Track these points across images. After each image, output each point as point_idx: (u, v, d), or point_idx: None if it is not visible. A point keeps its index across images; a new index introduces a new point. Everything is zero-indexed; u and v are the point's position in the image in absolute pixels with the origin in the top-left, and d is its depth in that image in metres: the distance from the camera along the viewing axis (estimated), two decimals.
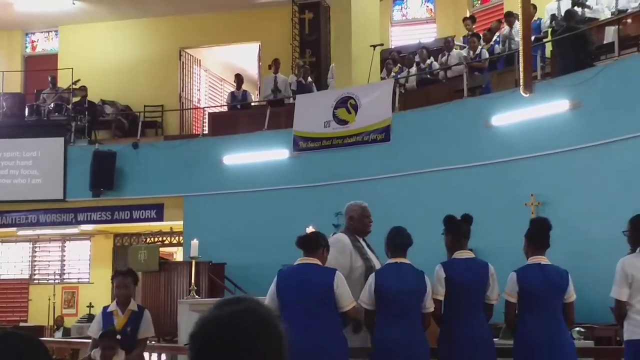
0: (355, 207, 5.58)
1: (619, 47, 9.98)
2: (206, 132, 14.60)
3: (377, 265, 5.38)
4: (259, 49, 16.87)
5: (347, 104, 11.76)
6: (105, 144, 14.44)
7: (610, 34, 10.78)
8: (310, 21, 15.88)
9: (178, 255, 14.81)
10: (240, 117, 14.25)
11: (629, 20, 11.22)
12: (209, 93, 18.18)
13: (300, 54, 15.66)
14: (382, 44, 13.52)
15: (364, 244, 5.50)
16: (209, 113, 15.59)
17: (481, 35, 13.21)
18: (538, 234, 5.19)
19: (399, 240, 5.18)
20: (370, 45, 12.87)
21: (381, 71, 13.48)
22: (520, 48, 8.38)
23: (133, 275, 6.15)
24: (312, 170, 12.23)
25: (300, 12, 15.92)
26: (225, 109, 15.66)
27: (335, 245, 5.26)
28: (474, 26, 13.90)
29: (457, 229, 5.30)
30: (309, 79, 14.47)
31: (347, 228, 5.55)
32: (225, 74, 18.20)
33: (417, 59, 13.36)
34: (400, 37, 16.45)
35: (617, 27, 10.48)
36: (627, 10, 11.52)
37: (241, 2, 16.17)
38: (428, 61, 13.16)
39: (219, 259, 11.58)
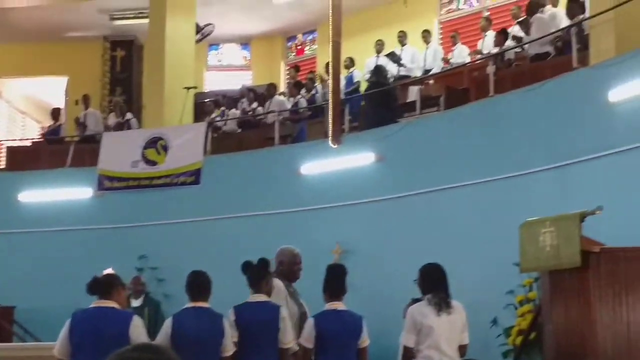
0: (286, 252, 5.67)
1: (421, 106, 10.55)
2: (3, 166, 13.70)
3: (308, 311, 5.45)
4: (67, 84, 16.19)
5: (157, 144, 11.49)
6: None
7: (413, 93, 11.40)
8: (122, 59, 15.53)
9: None
10: (42, 153, 13.53)
11: (431, 81, 11.94)
12: (9, 126, 17.14)
13: (111, 92, 15.24)
14: (195, 87, 13.44)
15: (295, 289, 5.55)
16: (7, 147, 14.66)
17: (301, 83, 13.55)
18: (333, 281, 5.35)
19: (194, 285, 5.12)
20: (184, 87, 12.75)
21: (195, 114, 13.39)
22: (330, 101, 8.63)
23: None
24: (116, 211, 11.77)
25: (112, 49, 15.55)
26: (26, 143, 14.83)
27: (274, 291, 5.30)
28: (297, 75, 14.23)
29: (253, 275, 5.33)
30: (128, 115, 14.07)
31: (278, 273, 5.57)
32: (28, 107, 17.27)
33: (242, 102, 13.44)
34: (215, 82, 16.49)
35: (420, 86, 11.10)
36: (431, 70, 12.26)
37: (50, 35, 15.47)
38: (254, 105, 13.28)
39: (8, 301, 10.79)
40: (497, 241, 7.98)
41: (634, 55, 7.76)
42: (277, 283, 5.48)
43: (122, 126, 13.56)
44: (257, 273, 5.32)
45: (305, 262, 9.78)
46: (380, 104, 10.85)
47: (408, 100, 11.46)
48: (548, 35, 9.90)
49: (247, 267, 5.35)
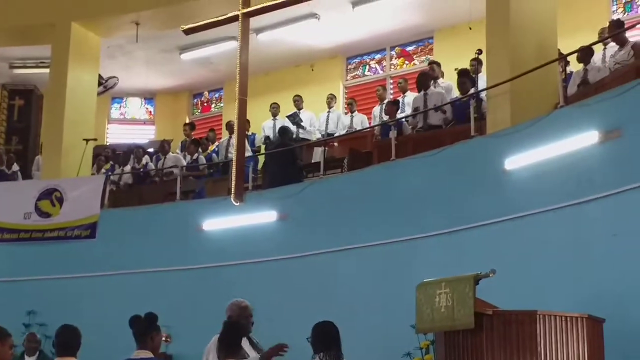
0: (234, 306, 5.61)
1: (325, 167, 10.67)
2: None
3: None
4: None
5: (52, 196, 11.13)
6: None
7: (318, 154, 11.55)
8: (20, 108, 15.12)
9: None
10: None
11: (336, 144, 12.13)
12: None
13: (6, 141, 14.76)
14: (95, 139, 13.16)
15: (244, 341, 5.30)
16: None
17: (199, 141, 13.48)
18: (230, 336, 5.24)
19: (62, 340, 4.92)
20: (83, 139, 12.48)
21: (93, 166, 13.09)
22: (234, 158, 8.62)
23: None
24: (5, 264, 11.26)
25: (11, 97, 15.12)
26: None
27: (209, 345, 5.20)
28: (192, 133, 14.15)
29: (140, 330, 5.16)
30: (14, 167, 13.60)
31: None
32: None
33: (132, 158, 13.22)
34: (118, 135, 16.25)
35: (324, 148, 11.24)
36: (334, 134, 12.48)
37: None
38: (143, 161, 13.07)
39: None
40: (395, 303, 8.05)
41: (529, 126, 8.11)
42: (214, 339, 5.35)
43: (7, 177, 13.09)
44: (142, 328, 5.14)
45: (203, 319, 9.61)
46: (284, 163, 10.92)
47: (313, 161, 11.59)
48: (446, 104, 10.26)
49: (133, 321, 5.17)
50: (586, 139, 7.47)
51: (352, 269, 9.21)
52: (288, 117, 12.28)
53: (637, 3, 11.67)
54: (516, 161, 8.09)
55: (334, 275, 9.36)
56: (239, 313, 5.61)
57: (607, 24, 10.29)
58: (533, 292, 7.20)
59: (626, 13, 11.59)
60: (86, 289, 10.74)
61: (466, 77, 10.23)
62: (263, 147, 12.73)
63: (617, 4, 11.97)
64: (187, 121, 15.57)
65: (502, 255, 7.65)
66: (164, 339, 9.50)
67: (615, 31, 8.87)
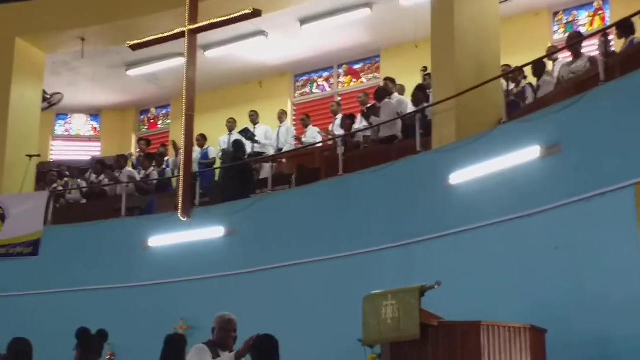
0: (218, 319, 5.47)
1: (273, 183, 10.68)
2: None
3: None
4: None
5: None
6: None
7: (266, 170, 11.55)
8: None
9: None
10: None
11: (284, 160, 12.15)
12: None
13: None
14: (39, 155, 12.93)
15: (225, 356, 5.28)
16: None
17: (154, 156, 13.38)
18: (172, 352, 5.20)
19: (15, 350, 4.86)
20: (26, 155, 12.25)
21: (37, 182, 12.86)
22: (181, 174, 8.58)
23: None
24: None
25: None
26: None
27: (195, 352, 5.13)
28: (147, 148, 14.02)
29: (88, 344, 5.08)
30: None
31: (213, 340, 5.42)
32: None
33: (89, 173, 13.06)
34: (62, 152, 16.00)
35: (272, 164, 11.26)
36: (284, 148, 12.50)
37: None
38: (101, 176, 12.92)
39: None
40: (344, 317, 8.06)
41: (473, 142, 8.28)
42: (201, 347, 5.31)
43: None
44: (89, 342, 5.07)
45: (150, 337, 9.48)
46: (236, 179, 10.89)
47: (261, 177, 11.59)
48: (394, 119, 10.38)
49: (81, 333, 5.09)
50: (528, 154, 7.66)
51: (301, 284, 9.21)
52: (240, 132, 12.28)
53: (578, 24, 12.01)
54: (461, 176, 8.24)
55: (282, 290, 9.35)
56: (222, 326, 5.55)
57: (549, 44, 10.57)
58: (478, 304, 7.30)
59: (567, 34, 11.92)
60: (29, 307, 10.51)
61: (422, 92, 10.38)
62: (219, 161, 12.67)
63: (558, 25, 12.31)
64: (134, 137, 15.44)
65: (448, 267, 7.76)
66: (108, 357, 9.38)
67: (574, 41, 9.02)
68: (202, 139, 12.96)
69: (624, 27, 8.40)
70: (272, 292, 9.41)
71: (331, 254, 9.08)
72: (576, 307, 6.82)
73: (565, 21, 12.25)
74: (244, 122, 13.02)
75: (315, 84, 14.65)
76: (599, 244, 6.84)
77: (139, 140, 14.44)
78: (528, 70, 9.61)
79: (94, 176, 13.20)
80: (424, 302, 5.71)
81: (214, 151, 13.11)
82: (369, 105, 11.55)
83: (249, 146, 12.11)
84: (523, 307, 7.05)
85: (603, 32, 8.12)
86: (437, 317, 5.78)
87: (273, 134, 12.91)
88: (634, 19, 8.27)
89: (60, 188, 12.94)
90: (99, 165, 13.29)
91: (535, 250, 7.36)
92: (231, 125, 13.03)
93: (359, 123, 11.48)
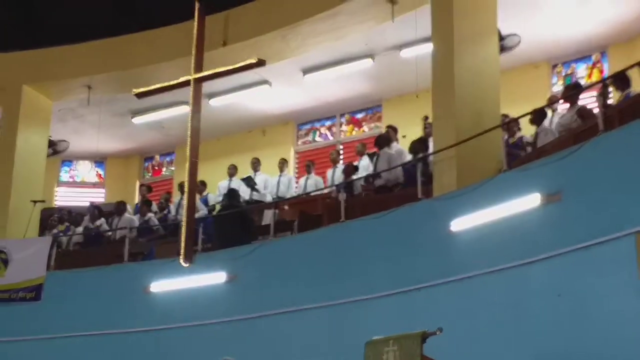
0: None
1: (275, 229, 10.75)
2: None
3: None
4: None
5: None
6: None
7: (268, 217, 11.62)
8: None
9: None
10: None
11: (286, 207, 12.23)
12: None
13: None
14: (44, 201, 13.05)
15: None
16: None
17: (153, 203, 13.47)
18: None
19: None
20: (31, 201, 12.35)
21: (40, 228, 12.93)
22: (184, 220, 8.64)
23: None
24: None
25: None
26: None
27: None
28: (148, 195, 14.13)
29: None
30: None
31: None
32: None
33: (86, 219, 13.12)
34: (67, 198, 16.10)
35: (274, 211, 11.34)
36: (285, 197, 12.61)
37: None
38: (98, 222, 12.98)
39: None
40: None
41: (473, 189, 8.36)
42: None
43: None
44: None
45: None
46: (234, 225, 10.96)
47: (263, 224, 11.66)
48: (395, 167, 10.50)
49: None
50: (528, 202, 7.74)
51: (302, 330, 9.21)
52: (243, 180, 12.42)
53: (577, 76, 12.21)
54: (462, 223, 8.30)
55: (283, 336, 9.34)
56: None
57: (548, 95, 10.72)
58: (479, 351, 7.31)
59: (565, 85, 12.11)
60: (30, 352, 10.50)
61: (420, 144, 10.52)
62: (218, 206, 12.78)
63: (557, 77, 12.51)
64: (138, 184, 15.55)
65: (449, 314, 7.78)
66: None
67: (571, 92, 9.18)
68: (202, 185, 13.08)
69: (621, 80, 8.59)
70: (274, 338, 9.40)
71: (333, 300, 9.10)
72: (579, 355, 6.82)
73: (564, 73, 12.46)
74: (246, 169, 13.15)
75: (317, 133, 14.82)
76: (599, 292, 6.87)
77: (141, 186, 14.55)
78: (523, 122, 9.77)
79: (89, 221, 13.25)
80: (426, 348, 5.74)
81: (214, 197, 13.22)
82: (369, 153, 11.69)
83: (247, 194, 12.25)
84: (524, 355, 7.06)
85: (603, 84, 8.28)
86: None
87: (272, 182, 13.04)
88: (630, 72, 8.46)
89: (70, 233, 13.01)
90: (96, 210, 13.38)
91: (536, 297, 7.39)
92: (232, 171, 13.16)
93: (363, 169, 11.62)
